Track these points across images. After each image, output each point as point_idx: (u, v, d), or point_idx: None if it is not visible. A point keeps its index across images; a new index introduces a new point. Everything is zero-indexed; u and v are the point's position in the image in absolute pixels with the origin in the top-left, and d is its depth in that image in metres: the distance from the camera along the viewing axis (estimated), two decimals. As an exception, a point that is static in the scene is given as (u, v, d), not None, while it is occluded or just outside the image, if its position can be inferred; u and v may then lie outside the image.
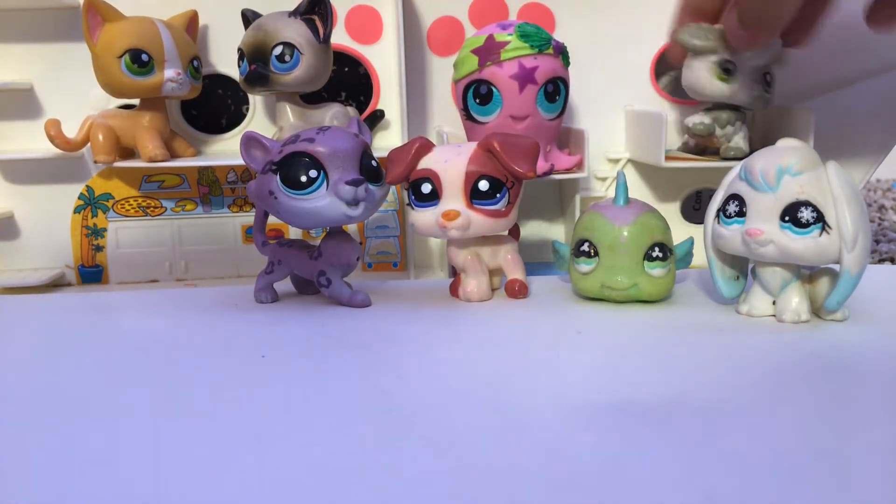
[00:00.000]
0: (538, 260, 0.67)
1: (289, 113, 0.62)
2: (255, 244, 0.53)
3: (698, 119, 0.61)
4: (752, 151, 0.60)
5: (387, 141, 0.68)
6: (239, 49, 0.60)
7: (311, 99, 0.63)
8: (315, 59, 0.59)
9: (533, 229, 0.71)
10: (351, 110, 0.64)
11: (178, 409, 0.35)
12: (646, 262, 0.47)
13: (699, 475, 0.28)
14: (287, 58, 0.58)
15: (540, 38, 0.56)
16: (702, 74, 0.58)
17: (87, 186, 0.66)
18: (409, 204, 0.50)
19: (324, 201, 0.46)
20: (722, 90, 0.58)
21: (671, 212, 0.70)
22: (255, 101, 0.67)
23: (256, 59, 0.59)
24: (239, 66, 0.60)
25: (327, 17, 0.59)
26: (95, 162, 0.61)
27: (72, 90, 0.64)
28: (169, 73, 0.59)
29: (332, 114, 0.62)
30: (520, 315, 0.48)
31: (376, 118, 0.67)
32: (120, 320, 0.50)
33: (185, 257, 0.68)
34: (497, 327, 0.46)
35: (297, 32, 0.59)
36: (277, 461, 0.29)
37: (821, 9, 0.51)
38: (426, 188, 0.49)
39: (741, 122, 0.61)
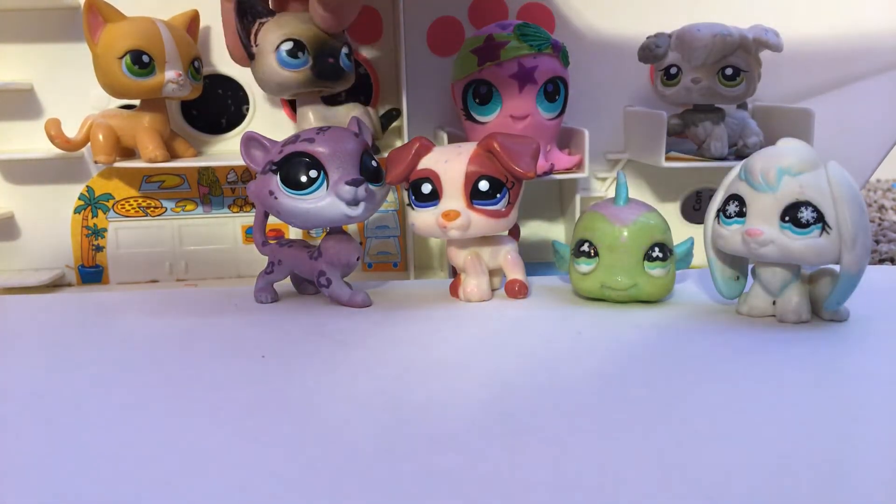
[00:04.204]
0: (538, 260, 0.67)
1: (310, 117, 0.60)
2: (255, 244, 0.53)
3: (674, 120, 0.64)
4: (735, 155, 0.62)
5: (387, 141, 0.68)
6: (295, 40, 0.56)
7: (330, 100, 0.63)
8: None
9: (533, 229, 0.71)
10: (371, 111, 0.63)
11: (178, 408, 0.35)
12: (646, 262, 0.47)
13: (700, 474, 0.28)
14: (351, 57, 0.59)
15: (539, 38, 0.56)
16: (657, 82, 0.64)
17: (87, 186, 0.66)
18: (409, 204, 0.50)
19: (324, 201, 0.46)
20: (668, 93, 0.63)
21: (671, 212, 0.70)
22: (255, 101, 0.67)
23: (329, 53, 0.57)
24: (293, 56, 0.56)
25: None
26: (96, 162, 0.61)
27: (72, 90, 0.64)
28: (170, 74, 0.59)
29: (353, 114, 0.61)
30: (520, 315, 0.48)
31: (392, 118, 0.66)
32: (120, 320, 0.50)
33: (185, 257, 0.68)
34: (497, 327, 0.46)
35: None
36: (277, 460, 0.29)
37: None
38: (426, 188, 0.49)
39: (712, 123, 0.62)
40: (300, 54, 0.56)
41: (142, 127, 0.61)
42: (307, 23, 0.56)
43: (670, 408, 0.34)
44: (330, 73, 0.57)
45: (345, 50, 0.58)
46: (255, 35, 0.57)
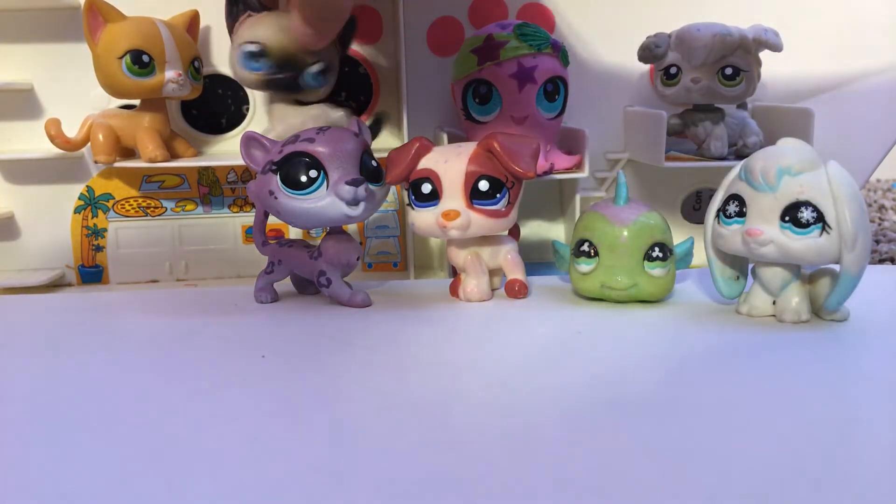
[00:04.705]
0: (538, 260, 0.67)
1: (279, 108, 0.60)
2: (255, 244, 0.53)
3: (674, 120, 0.65)
4: (735, 154, 0.62)
5: (387, 141, 0.68)
6: (260, 45, 0.56)
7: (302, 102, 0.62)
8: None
9: (533, 229, 0.71)
10: (344, 112, 0.61)
11: (178, 408, 0.35)
12: (646, 262, 0.47)
13: (700, 473, 0.28)
14: (321, 77, 0.58)
15: (539, 38, 0.56)
16: (657, 82, 0.64)
17: (87, 186, 0.66)
18: (409, 204, 0.50)
19: (324, 201, 0.46)
20: (668, 93, 0.63)
21: (671, 212, 0.70)
22: (255, 101, 0.67)
23: (290, 67, 0.57)
24: (252, 59, 0.57)
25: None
26: (96, 162, 0.61)
27: (72, 90, 0.64)
28: (170, 73, 0.59)
29: (312, 115, 0.59)
30: (520, 315, 0.48)
31: (380, 122, 0.65)
32: (120, 320, 0.50)
33: (185, 257, 0.68)
34: (497, 327, 0.46)
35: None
36: (277, 461, 0.29)
37: None
38: (426, 188, 0.49)
39: (711, 123, 0.62)
40: (260, 60, 0.56)
41: (142, 127, 0.61)
42: (284, 31, 0.56)
43: (670, 408, 0.34)
44: (282, 86, 0.57)
45: (316, 67, 0.57)
46: (239, 25, 0.58)
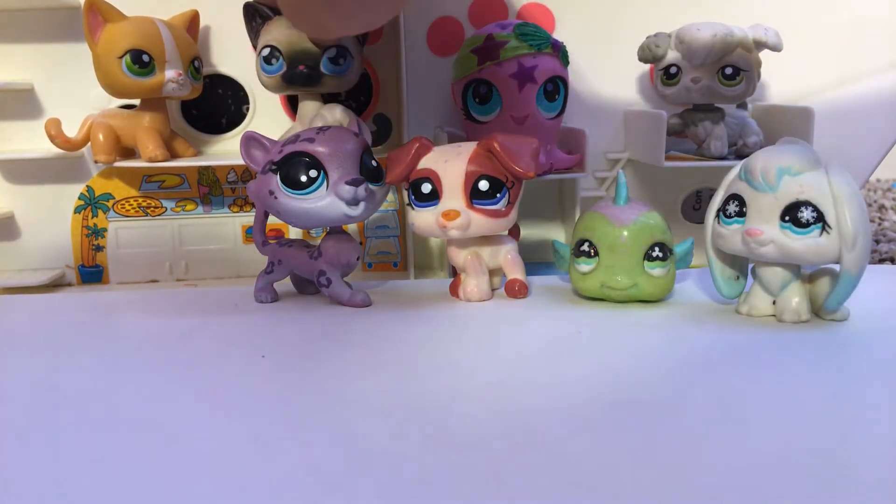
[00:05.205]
0: (538, 260, 0.67)
1: (300, 111, 0.61)
2: (255, 244, 0.53)
3: (674, 119, 0.65)
4: (735, 154, 0.62)
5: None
6: (272, 47, 0.57)
7: (330, 97, 0.62)
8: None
9: (533, 229, 0.71)
10: (333, 112, 0.59)
11: (178, 409, 0.35)
12: (646, 262, 0.47)
13: (700, 473, 0.28)
14: (341, 60, 0.58)
15: (539, 38, 0.56)
16: (657, 82, 0.64)
17: (87, 186, 0.66)
18: (409, 204, 0.50)
19: (324, 201, 0.46)
20: (668, 93, 0.63)
21: (671, 212, 0.70)
22: (255, 101, 0.67)
23: (301, 61, 0.57)
24: (268, 62, 0.58)
25: None
26: (96, 162, 0.61)
27: (72, 90, 0.64)
28: (170, 73, 0.59)
29: (313, 117, 0.60)
30: (520, 315, 0.48)
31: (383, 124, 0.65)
32: (120, 320, 0.50)
33: (185, 257, 0.68)
34: (497, 327, 0.46)
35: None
36: (277, 461, 0.29)
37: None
38: (426, 188, 0.49)
39: (711, 123, 0.62)
40: (274, 61, 0.57)
41: (142, 127, 0.61)
42: (293, 28, 0.57)
43: (670, 408, 0.34)
44: (299, 80, 0.57)
45: (328, 54, 0.57)
46: (258, 36, 0.59)
